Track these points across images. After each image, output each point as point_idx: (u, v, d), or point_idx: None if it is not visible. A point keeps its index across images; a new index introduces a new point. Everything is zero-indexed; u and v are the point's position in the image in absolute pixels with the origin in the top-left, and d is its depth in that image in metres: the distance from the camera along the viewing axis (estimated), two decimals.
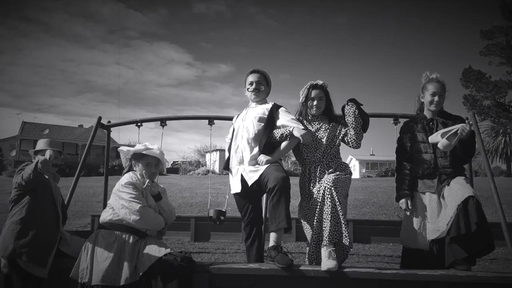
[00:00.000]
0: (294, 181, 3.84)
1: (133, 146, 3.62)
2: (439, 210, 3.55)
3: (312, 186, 3.62)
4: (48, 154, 3.35)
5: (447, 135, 3.47)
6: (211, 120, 6.49)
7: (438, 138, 3.53)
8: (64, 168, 27.68)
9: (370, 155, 54.24)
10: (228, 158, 3.94)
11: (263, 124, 3.76)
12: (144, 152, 3.46)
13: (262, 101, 3.98)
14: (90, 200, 14.16)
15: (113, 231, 3.29)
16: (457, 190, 3.45)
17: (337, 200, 3.34)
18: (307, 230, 3.62)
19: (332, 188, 3.37)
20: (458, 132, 3.44)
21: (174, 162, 43.87)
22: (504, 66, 33.45)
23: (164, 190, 3.64)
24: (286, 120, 3.72)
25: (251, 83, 3.94)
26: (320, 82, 3.78)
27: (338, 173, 3.53)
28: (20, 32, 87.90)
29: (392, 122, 6.06)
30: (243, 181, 3.70)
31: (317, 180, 3.60)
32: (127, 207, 3.25)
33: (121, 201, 3.28)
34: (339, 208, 3.33)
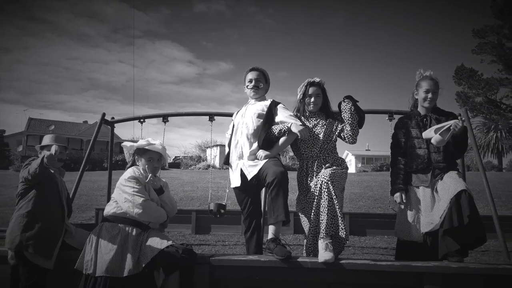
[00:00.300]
0: (292, 176, 3.84)
1: (136, 141, 3.61)
2: (432, 204, 3.55)
3: (309, 180, 3.62)
4: (53, 149, 3.34)
5: (440, 131, 3.47)
6: (211, 116, 6.50)
7: (431, 133, 3.53)
8: (69, 163, 27.64)
9: (366, 150, 54.24)
10: (228, 153, 3.94)
11: (262, 120, 3.76)
12: (146, 147, 3.46)
13: (261, 98, 3.97)
14: (94, 194, 14.16)
15: (116, 224, 3.29)
16: (450, 184, 3.45)
17: (333, 194, 3.34)
18: (305, 223, 3.62)
19: (329, 182, 3.36)
20: (451, 128, 3.44)
21: (175, 157, 43.74)
22: (496, 64, 33.36)
23: (166, 184, 3.64)
24: (284, 116, 3.71)
25: (251, 81, 3.93)
26: (317, 80, 3.78)
27: (334, 167, 3.53)
28: (27, 31, 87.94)
29: (387, 118, 6.07)
30: (243, 175, 3.70)
31: (315, 175, 3.59)
32: (130, 201, 3.25)
33: (124, 195, 3.28)
34: (336, 201, 3.33)
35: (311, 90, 3.74)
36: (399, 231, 3.75)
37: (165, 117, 6.63)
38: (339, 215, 3.32)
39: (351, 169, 44.02)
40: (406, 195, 3.71)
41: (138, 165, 3.50)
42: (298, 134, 3.52)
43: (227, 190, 4.43)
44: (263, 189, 4.32)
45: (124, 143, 3.58)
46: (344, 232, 3.31)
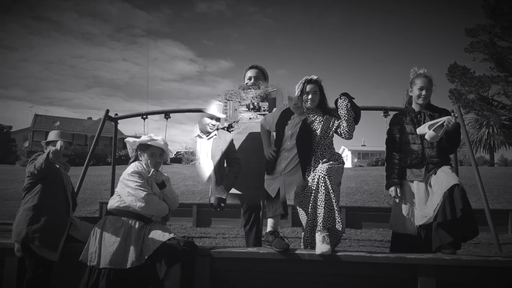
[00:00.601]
0: None
1: (139, 137, 3.61)
2: (426, 198, 3.55)
3: (307, 175, 3.61)
4: (59, 144, 3.34)
5: (434, 127, 3.46)
6: None
7: (425, 129, 3.53)
8: (74, 158, 27.59)
9: (362, 145, 54.27)
10: None
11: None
12: (149, 143, 3.45)
13: None
14: (98, 188, 14.15)
15: (120, 217, 3.29)
16: (443, 178, 3.45)
17: (330, 188, 3.34)
18: (303, 216, 3.62)
19: (326, 177, 3.36)
20: (444, 124, 3.43)
21: (177, 152, 43.74)
22: (487, 62, 33.23)
23: (168, 178, 3.63)
24: None
25: (250, 78, 3.93)
26: (315, 77, 3.76)
27: (331, 162, 3.52)
28: (32, 30, 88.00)
29: (382, 114, 6.06)
30: None
31: (312, 169, 3.59)
32: (133, 195, 3.25)
33: (127, 189, 3.28)
34: (333, 195, 3.33)
35: (308, 87, 3.73)
36: (394, 224, 3.75)
37: (167, 114, 6.61)
38: (336, 208, 3.32)
39: (348, 164, 44.05)
40: (400, 189, 3.72)
41: (140, 160, 3.49)
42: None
43: None
44: None
45: (127, 139, 3.57)
46: (341, 225, 3.31)
